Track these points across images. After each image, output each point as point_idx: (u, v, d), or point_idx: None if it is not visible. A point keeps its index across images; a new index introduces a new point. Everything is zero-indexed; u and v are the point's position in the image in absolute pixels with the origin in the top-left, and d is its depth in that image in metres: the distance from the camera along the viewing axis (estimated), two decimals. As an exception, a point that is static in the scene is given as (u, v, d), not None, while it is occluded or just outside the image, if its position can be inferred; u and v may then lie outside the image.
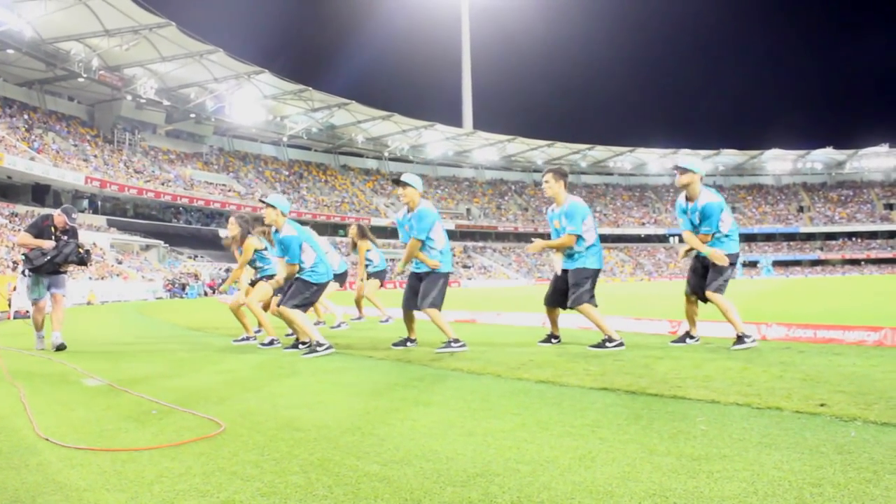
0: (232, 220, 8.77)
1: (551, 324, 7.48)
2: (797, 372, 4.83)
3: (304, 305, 7.33)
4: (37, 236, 8.53)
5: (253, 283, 8.89)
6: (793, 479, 2.45)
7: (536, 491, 2.44)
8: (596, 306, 6.83)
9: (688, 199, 6.70)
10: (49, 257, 8.43)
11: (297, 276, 7.27)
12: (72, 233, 8.79)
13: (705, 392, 4.13)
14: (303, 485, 2.60)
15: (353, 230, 11.78)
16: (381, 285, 12.45)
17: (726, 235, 6.55)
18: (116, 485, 2.69)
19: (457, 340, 6.92)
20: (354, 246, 11.70)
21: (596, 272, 6.93)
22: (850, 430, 3.12)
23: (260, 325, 8.74)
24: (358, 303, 12.38)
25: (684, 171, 6.65)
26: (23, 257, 8.68)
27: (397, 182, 7.34)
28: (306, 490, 2.54)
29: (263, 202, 7.38)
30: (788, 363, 5.30)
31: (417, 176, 7.51)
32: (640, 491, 2.40)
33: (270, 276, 8.57)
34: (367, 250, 11.58)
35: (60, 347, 8.20)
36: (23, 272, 8.61)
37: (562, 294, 7.01)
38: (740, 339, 6.37)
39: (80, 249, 8.71)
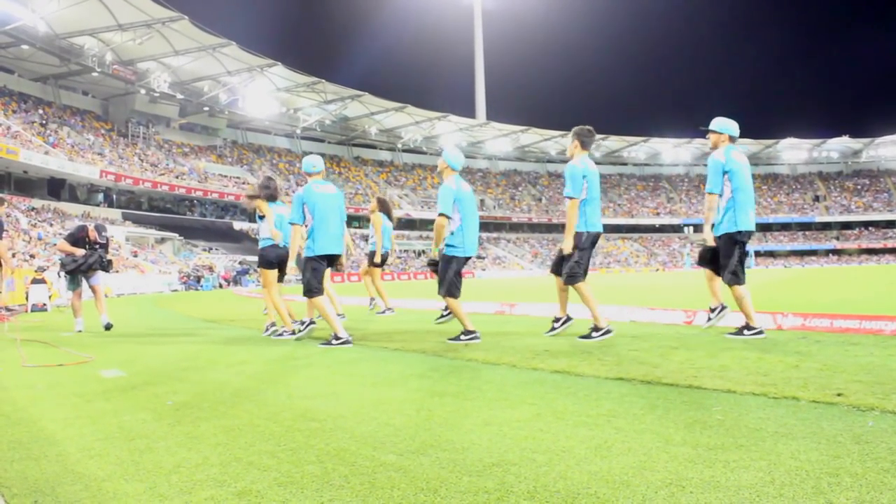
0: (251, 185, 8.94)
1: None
2: (814, 362, 4.80)
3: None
4: (73, 244, 10.27)
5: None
6: (810, 469, 2.44)
7: (552, 480, 2.45)
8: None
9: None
10: (78, 264, 10.15)
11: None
12: (102, 245, 10.44)
13: (721, 382, 4.12)
14: (319, 474, 2.62)
15: (372, 204, 11.81)
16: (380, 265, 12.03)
17: (727, 207, 6.47)
18: (134, 475, 2.71)
19: (470, 332, 6.92)
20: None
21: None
22: (867, 420, 3.10)
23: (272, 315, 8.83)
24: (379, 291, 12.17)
25: (710, 131, 6.66)
26: (59, 261, 10.66)
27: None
28: (323, 480, 2.55)
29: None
30: (805, 353, 5.27)
31: (459, 151, 7.43)
32: (656, 480, 2.40)
33: (259, 256, 8.65)
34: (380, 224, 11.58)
35: (108, 327, 10.10)
36: (58, 273, 10.72)
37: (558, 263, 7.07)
38: (739, 329, 6.40)
39: (103, 259, 10.36)
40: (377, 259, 11.51)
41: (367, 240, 12.48)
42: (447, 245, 7.08)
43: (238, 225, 63.47)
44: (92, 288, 10.50)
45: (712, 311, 6.95)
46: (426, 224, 71.55)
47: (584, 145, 6.98)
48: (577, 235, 6.80)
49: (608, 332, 6.68)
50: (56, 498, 2.50)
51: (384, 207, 11.83)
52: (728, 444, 2.80)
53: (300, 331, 8.06)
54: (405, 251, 68.86)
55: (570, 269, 6.78)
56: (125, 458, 2.96)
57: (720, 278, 6.67)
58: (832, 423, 3.08)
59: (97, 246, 10.35)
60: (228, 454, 2.95)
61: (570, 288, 6.95)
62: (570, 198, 6.70)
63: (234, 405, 4.02)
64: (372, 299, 11.97)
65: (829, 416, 3.21)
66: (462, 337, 6.91)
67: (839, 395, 3.60)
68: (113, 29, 48.96)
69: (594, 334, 6.66)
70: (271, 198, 8.65)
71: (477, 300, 13.57)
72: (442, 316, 8.14)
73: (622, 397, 3.83)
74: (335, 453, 2.90)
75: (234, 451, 3.00)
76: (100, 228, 10.56)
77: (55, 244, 38.18)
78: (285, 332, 8.20)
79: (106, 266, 10.42)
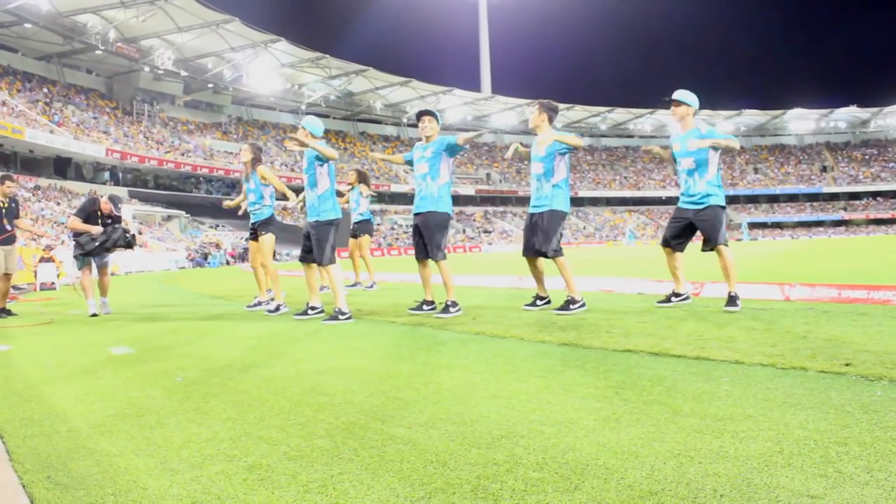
0: (245, 146, 9.01)
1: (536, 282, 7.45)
2: (822, 332, 4.79)
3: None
4: (84, 221, 9.14)
5: (254, 237, 8.97)
6: (818, 439, 2.44)
7: (561, 452, 2.45)
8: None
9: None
10: (98, 242, 9.05)
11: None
12: (116, 219, 9.41)
13: (729, 353, 4.11)
14: (329, 448, 2.63)
15: (352, 176, 11.88)
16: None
17: (717, 183, 6.66)
18: (145, 450, 2.73)
19: (455, 304, 7.00)
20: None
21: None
22: (876, 390, 3.10)
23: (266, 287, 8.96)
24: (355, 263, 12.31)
25: (679, 103, 6.72)
26: (73, 242, 9.29)
27: (425, 113, 7.33)
28: (332, 453, 2.57)
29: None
30: (813, 323, 5.26)
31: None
32: (664, 451, 2.41)
33: (265, 223, 8.73)
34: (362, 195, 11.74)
35: (106, 313, 9.16)
36: (75, 256, 9.26)
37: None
38: (732, 299, 6.35)
39: (128, 235, 9.30)
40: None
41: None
42: (445, 202, 7.22)
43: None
44: (99, 267, 9.40)
45: (677, 296, 6.99)
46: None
47: (552, 120, 7.05)
48: (562, 215, 6.95)
49: (583, 304, 6.81)
50: (68, 473, 2.52)
51: (364, 179, 11.92)
52: (736, 414, 2.81)
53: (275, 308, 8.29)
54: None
55: (556, 244, 6.91)
56: (136, 433, 2.98)
57: (678, 256, 6.92)
58: (840, 392, 3.07)
59: (109, 220, 9.32)
60: (238, 429, 2.97)
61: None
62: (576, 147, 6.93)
63: (243, 380, 4.04)
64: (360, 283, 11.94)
65: (838, 385, 3.21)
66: (451, 309, 6.93)
67: (847, 365, 3.59)
68: (115, 6, 48.78)
69: (572, 307, 6.74)
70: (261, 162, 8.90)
71: (485, 273, 13.58)
72: (424, 305, 7.55)
73: (630, 369, 3.83)
74: (344, 427, 2.91)
75: (243, 425, 3.02)
76: (115, 200, 9.46)
77: (64, 223, 38.25)
78: (279, 304, 8.32)
79: (131, 242, 9.34)
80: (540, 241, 6.92)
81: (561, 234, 6.97)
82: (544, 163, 6.99)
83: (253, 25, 55.31)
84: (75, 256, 9.27)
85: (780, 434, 2.52)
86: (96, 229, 9.11)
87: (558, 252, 6.91)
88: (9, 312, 9.78)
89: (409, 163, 7.52)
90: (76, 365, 5.02)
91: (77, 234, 9.19)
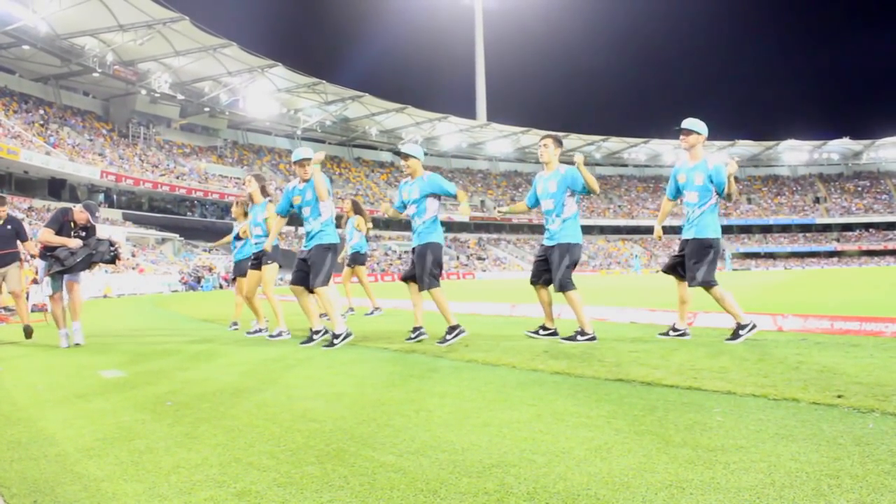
0: (250, 177, 8.96)
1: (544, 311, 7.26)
2: (814, 363, 4.80)
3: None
4: (57, 233, 8.06)
5: (255, 265, 8.88)
6: (810, 471, 2.44)
7: (552, 482, 2.44)
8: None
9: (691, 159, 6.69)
10: (81, 257, 7.98)
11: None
12: (91, 230, 8.34)
13: (721, 383, 4.11)
14: (319, 475, 2.61)
15: (346, 205, 11.87)
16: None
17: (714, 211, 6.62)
18: (134, 475, 2.71)
19: (455, 327, 6.88)
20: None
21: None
22: (868, 422, 3.10)
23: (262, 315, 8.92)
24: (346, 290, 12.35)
25: (689, 132, 6.59)
26: (49, 258, 8.03)
27: (398, 153, 7.40)
28: (322, 481, 2.55)
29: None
30: (805, 354, 5.26)
31: (419, 147, 7.53)
32: (655, 482, 2.40)
33: (258, 256, 8.71)
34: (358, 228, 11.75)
35: (76, 343, 8.05)
36: (49, 275, 8.02)
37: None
38: (737, 331, 6.27)
39: (113, 248, 8.29)
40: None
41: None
42: (436, 233, 7.13)
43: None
44: (67, 283, 8.18)
45: (675, 331, 6.77)
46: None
47: (561, 155, 7.11)
48: (578, 247, 6.83)
49: (594, 338, 6.60)
50: (55, 498, 2.49)
51: (359, 210, 11.97)
52: (728, 445, 2.80)
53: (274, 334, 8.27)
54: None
55: (564, 277, 6.71)
56: (124, 458, 2.96)
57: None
58: (833, 424, 3.07)
59: (84, 231, 8.23)
60: (228, 455, 2.95)
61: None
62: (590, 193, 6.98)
63: (233, 406, 4.02)
64: (377, 308, 11.92)
65: (830, 417, 3.20)
66: (449, 337, 6.81)
67: (839, 396, 3.59)
68: (114, 29, 48.99)
69: (579, 337, 6.58)
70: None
71: (478, 301, 13.56)
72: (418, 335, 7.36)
73: (622, 398, 3.83)
74: (335, 454, 2.90)
75: (233, 451, 3.00)
76: (90, 208, 8.27)
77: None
78: (280, 330, 8.25)
79: (116, 255, 8.32)
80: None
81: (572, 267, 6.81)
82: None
83: (250, 50, 55.60)
84: (50, 275, 8.00)
85: (772, 466, 2.51)
86: (74, 242, 8.01)
87: (563, 287, 6.74)
88: (28, 332, 9.17)
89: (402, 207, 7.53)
90: (66, 388, 4.99)
91: (50, 249, 8.00)
